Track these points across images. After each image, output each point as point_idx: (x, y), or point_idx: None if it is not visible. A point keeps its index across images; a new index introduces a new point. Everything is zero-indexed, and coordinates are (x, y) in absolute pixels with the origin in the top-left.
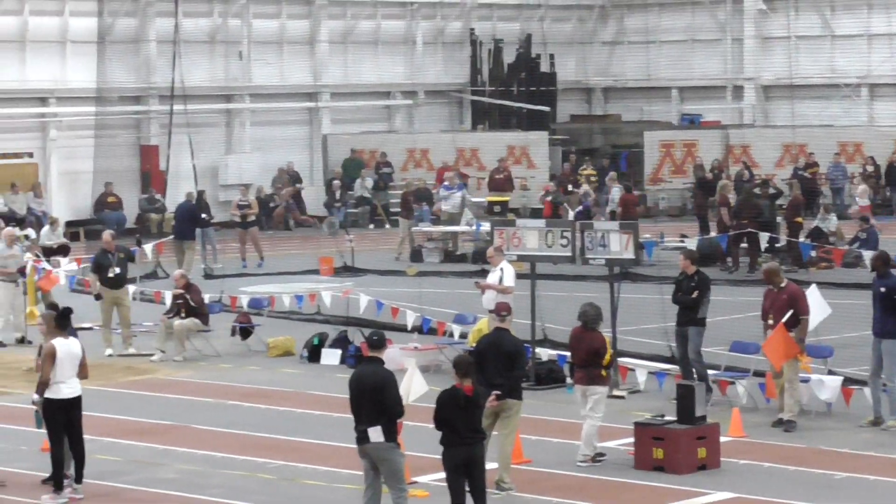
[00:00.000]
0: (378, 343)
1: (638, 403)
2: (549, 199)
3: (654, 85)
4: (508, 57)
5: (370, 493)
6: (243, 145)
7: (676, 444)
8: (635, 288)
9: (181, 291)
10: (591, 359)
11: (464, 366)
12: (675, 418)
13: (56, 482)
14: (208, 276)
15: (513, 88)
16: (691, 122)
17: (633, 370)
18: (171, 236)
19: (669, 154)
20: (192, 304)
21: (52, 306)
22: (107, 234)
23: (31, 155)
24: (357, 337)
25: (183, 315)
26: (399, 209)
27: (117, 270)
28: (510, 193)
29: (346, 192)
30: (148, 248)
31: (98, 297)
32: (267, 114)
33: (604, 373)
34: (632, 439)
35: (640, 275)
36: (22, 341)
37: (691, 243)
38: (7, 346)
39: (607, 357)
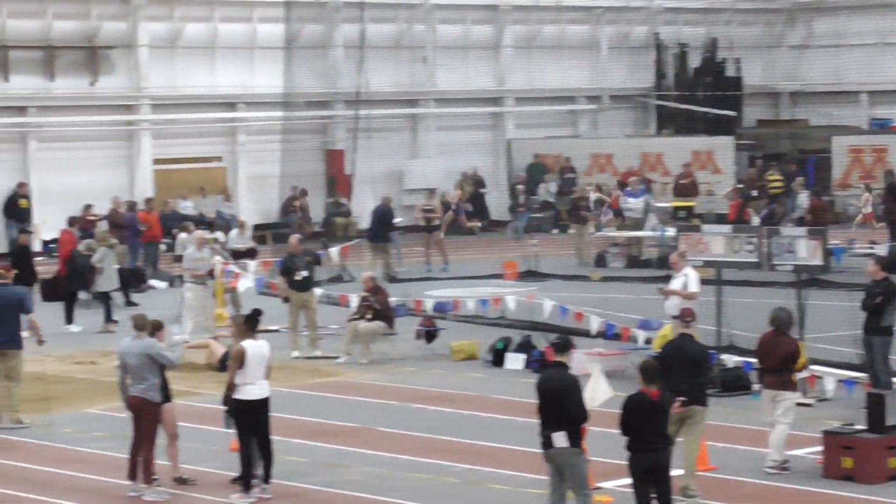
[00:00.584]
0: (563, 347)
1: (826, 411)
2: (736, 191)
3: (842, 89)
4: (694, 61)
5: (555, 498)
6: (427, 150)
7: (867, 453)
8: (823, 294)
9: (367, 294)
10: (783, 364)
11: (650, 371)
12: (865, 427)
13: (245, 482)
14: (393, 279)
15: (698, 93)
16: (881, 126)
17: (821, 378)
18: (356, 240)
19: (858, 159)
20: (378, 307)
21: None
22: (294, 238)
23: (219, 159)
24: (541, 342)
25: (369, 318)
26: (571, 214)
27: (304, 273)
28: (695, 198)
29: (530, 196)
30: (334, 251)
31: (286, 299)
32: (451, 118)
33: (794, 378)
34: (820, 448)
35: (828, 281)
36: None
37: (881, 249)
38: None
39: (802, 361)
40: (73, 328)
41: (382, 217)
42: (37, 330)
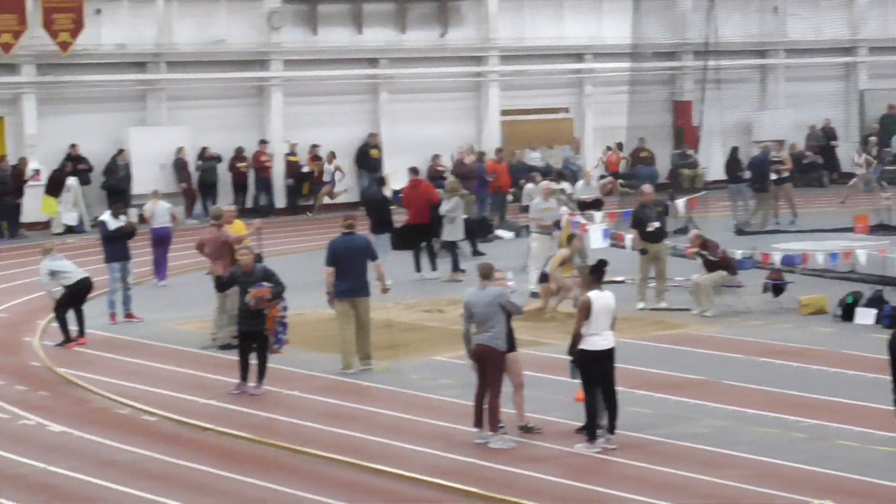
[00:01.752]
0: None
1: None
2: None
3: None
4: None
5: None
6: (777, 101)
7: None
8: None
9: (697, 250)
10: None
11: None
12: None
13: (590, 432)
14: (740, 231)
15: None
16: None
17: None
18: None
19: None
20: (712, 258)
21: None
22: (646, 188)
23: (566, 110)
24: (893, 297)
25: (706, 271)
26: None
27: (656, 224)
28: None
29: (883, 148)
30: (680, 203)
31: (643, 251)
32: (801, 69)
33: None
34: None
35: None
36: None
37: None
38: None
39: None
40: (435, 274)
41: (761, 166)
42: (382, 277)
